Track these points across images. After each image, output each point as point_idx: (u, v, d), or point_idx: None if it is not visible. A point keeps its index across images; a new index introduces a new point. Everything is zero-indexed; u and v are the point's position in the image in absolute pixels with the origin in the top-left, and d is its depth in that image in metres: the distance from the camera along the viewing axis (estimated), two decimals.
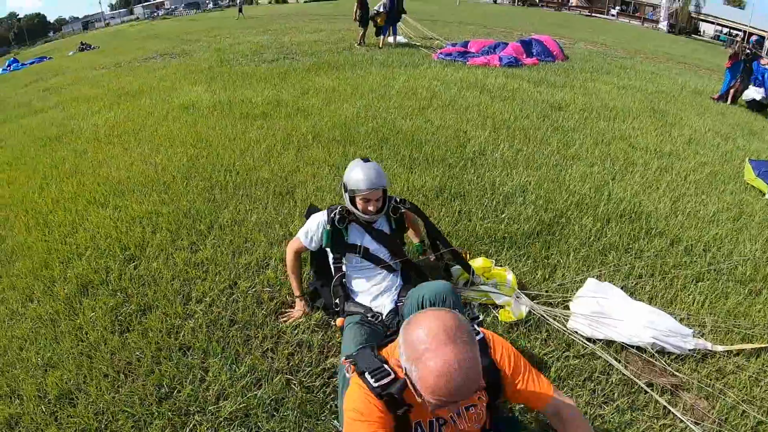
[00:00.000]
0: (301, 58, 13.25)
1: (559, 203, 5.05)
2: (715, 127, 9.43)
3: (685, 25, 65.59)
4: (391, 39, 15.74)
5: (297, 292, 3.23)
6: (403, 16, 16.33)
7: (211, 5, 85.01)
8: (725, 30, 67.60)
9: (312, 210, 3.30)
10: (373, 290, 3.03)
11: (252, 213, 4.47)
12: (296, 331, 3.11)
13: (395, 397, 1.63)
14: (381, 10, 15.30)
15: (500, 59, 13.00)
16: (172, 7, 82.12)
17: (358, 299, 3.00)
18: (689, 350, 3.18)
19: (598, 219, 4.81)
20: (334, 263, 3.09)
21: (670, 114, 9.84)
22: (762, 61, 13.15)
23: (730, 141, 8.65)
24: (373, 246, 3.07)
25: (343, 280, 3.06)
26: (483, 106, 8.44)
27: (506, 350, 1.88)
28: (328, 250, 3.12)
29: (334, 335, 3.10)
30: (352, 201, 3.00)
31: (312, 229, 3.08)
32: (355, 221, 3.07)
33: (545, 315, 3.33)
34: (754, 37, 14.48)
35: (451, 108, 8.15)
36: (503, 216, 4.66)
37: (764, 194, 6.14)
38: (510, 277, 3.56)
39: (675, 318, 3.43)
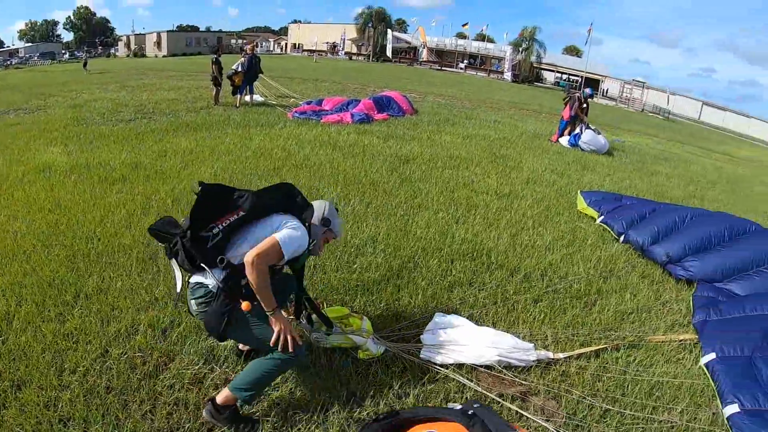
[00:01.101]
0: (159, 117, 13.06)
1: (407, 249, 5.47)
2: (551, 166, 10.55)
3: (528, 74, 70.85)
4: (248, 98, 15.89)
5: (275, 304, 2.87)
6: (260, 75, 16.58)
7: (66, 56, 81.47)
8: (564, 76, 73.94)
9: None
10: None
11: (117, 280, 4.42)
12: (172, 391, 3.19)
13: None
14: (239, 69, 15.41)
15: (352, 116, 13.48)
16: (27, 55, 77.58)
17: None
18: (533, 361, 3.70)
19: (443, 260, 5.29)
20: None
21: (511, 158, 10.79)
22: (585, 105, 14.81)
23: (565, 176, 9.79)
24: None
25: None
26: (335, 163, 8.77)
27: None
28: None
29: (209, 390, 3.22)
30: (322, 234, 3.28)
31: (297, 252, 2.99)
32: None
33: (400, 351, 3.67)
34: (587, 90, 16.12)
35: (304, 167, 8.42)
36: (355, 266, 4.96)
37: (595, 219, 7.02)
38: (365, 324, 3.81)
39: (518, 336, 3.95)
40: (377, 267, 4.98)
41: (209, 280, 2.85)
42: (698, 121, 73.73)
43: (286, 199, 3.13)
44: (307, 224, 3.10)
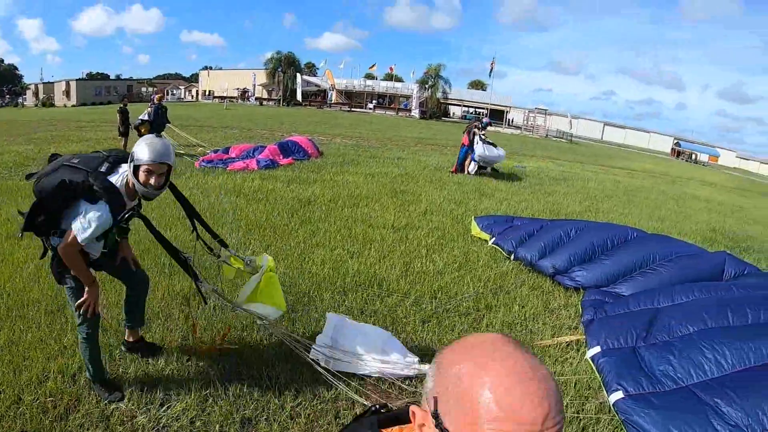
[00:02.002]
0: None
1: (302, 286, 5.79)
2: (450, 196, 11.25)
3: (435, 110, 72.82)
4: None
5: (90, 279, 3.36)
6: (168, 125, 16.56)
7: None
8: (471, 110, 76.60)
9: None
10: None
11: (27, 332, 4.53)
12: (81, 429, 3.39)
13: None
14: (145, 119, 15.38)
15: (258, 162, 13.68)
16: None
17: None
18: (414, 375, 4.04)
19: (336, 292, 5.67)
20: None
21: (410, 192, 11.36)
22: (482, 132, 15.69)
23: (463, 205, 10.52)
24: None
25: None
26: (239, 209, 9.03)
27: None
28: None
29: (115, 426, 3.45)
30: (135, 172, 3.17)
31: (101, 228, 3.16)
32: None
33: (291, 343, 3.99)
34: (485, 119, 17.20)
35: (208, 215, 8.45)
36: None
37: (488, 242, 7.59)
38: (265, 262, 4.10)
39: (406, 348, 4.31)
40: None
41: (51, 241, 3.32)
42: (601, 141, 78.08)
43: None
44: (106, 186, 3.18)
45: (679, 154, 79.17)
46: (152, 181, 3.17)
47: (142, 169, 3.14)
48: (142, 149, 3.13)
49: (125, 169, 3.27)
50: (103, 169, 3.26)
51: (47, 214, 3.21)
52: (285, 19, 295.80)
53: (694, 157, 77.16)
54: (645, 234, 7.17)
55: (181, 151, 16.59)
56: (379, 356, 4.04)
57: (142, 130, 15.26)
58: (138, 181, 3.17)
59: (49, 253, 3.40)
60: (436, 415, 0.82)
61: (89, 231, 3.10)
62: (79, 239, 3.11)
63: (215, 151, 15.76)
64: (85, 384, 3.80)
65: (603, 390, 3.98)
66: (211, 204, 9.34)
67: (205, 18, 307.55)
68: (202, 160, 14.17)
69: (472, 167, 15.37)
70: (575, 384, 4.17)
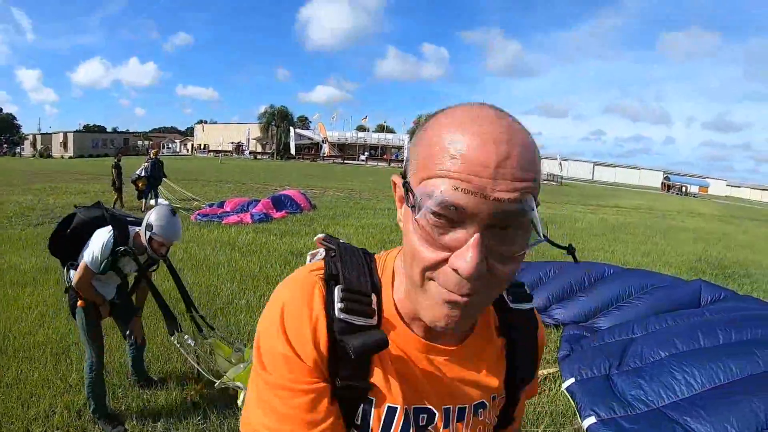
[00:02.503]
0: None
1: None
2: None
3: None
4: (152, 202, 15.96)
5: (102, 301, 3.93)
6: (164, 179, 16.93)
7: None
8: None
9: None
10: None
11: (33, 372, 4.80)
12: None
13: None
14: (142, 174, 15.70)
15: (252, 216, 13.93)
16: None
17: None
18: None
19: None
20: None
21: (399, 242, 11.59)
22: None
23: None
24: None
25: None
26: (233, 261, 9.29)
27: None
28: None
29: None
30: (149, 240, 3.70)
31: (104, 256, 3.64)
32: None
33: None
34: None
35: (204, 267, 8.81)
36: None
37: None
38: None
39: None
40: None
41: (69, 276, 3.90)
42: (592, 180, 78.77)
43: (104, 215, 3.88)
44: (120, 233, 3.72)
45: (669, 188, 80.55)
46: (162, 250, 3.80)
47: (156, 239, 3.68)
48: (161, 227, 3.65)
49: (139, 228, 3.83)
50: (129, 218, 4.02)
51: (72, 235, 3.84)
52: (278, 73, 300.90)
53: (684, 189, 78.47)
54: (621, 269, 7.43)
55: (178, 205, 16.70)
56: None
57: (140, 185, 15.77)
58: (150, 247, 3.72)
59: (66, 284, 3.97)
60: (403, 173, 0.79)
61: (94, 252, 3.59)
62: (88, 263, 3.59)
63: (210, 205, 16.06)
64: (90, 419, 4.07)
65: (578, 416, 4.23)
66: (206, 256, 9.61)
67: (199, 72, 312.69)
68: (198, 214, 14.40)
69: None
70: (551, 413, 4.41)
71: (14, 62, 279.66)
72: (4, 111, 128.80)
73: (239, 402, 4.04)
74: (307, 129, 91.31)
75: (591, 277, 7.06)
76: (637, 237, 16.51)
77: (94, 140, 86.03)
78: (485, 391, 0.92)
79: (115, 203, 15.84)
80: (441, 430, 0.89)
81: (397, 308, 0.88)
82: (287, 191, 18.17)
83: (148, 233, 3.65)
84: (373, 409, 0.85)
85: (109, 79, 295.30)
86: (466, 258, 0.68)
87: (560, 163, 73.29)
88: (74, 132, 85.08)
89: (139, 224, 3.86)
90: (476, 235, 0.68)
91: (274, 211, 15.00)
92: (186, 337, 4.29)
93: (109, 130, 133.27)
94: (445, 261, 0.71)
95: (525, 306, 0.98)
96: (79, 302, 3.82)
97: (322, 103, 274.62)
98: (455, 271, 0.70)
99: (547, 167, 70.96)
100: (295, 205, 16.24)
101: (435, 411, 0.89)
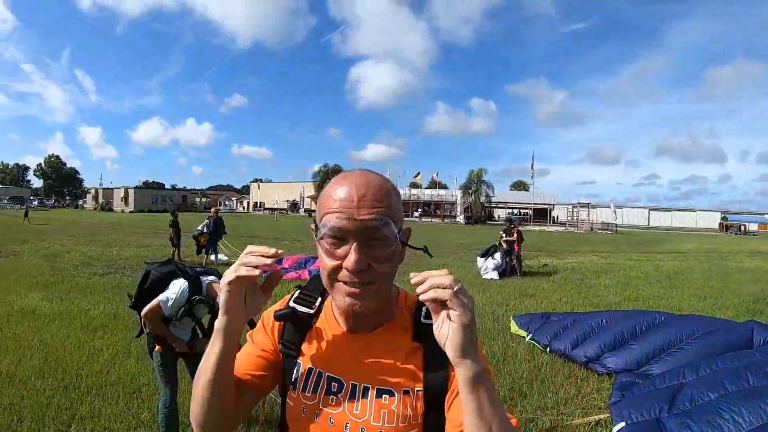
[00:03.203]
0: (130, 273, 13.58)
1: None
2: (491, 299, 11.39)
3: (480, 214, 72.56)
4: (213, 257, 16.34)
5: (172, 340, 4.05)
6: (224, 236, 17.33)
7: (36, 203, 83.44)
8: (515, 211, 76.68)
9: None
10: None
11: (106, 408, 4.91)
12: None
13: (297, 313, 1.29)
14: (203, 230, 16.07)
15: (310, 273, 13.85)
16: None
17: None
18: None
19: None
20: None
21: None
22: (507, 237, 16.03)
23: (503, 306, 10.59)
24: None
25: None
26: None
27: None
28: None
29: None
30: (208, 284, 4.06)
31: (178, 304, 3.90)
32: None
33: None
34: (512, 218, 17.57)
35: None
36: None
37: (525, 338, 7.80)
38: None
39: None
40: None
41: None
42: (648, 227, 76.54)
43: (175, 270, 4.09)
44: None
45: (728, 228, 77.81)
46: (218, 292, 3.97)
47: (215, 285, 4.03)
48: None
49: (212, 278, 4.19)
50: (198, 269, 4.29)
51: (150, 289, 3.98)
52: (330, 132, 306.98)
53: (743, 228, 75.79)
54: (672, 316, 7.31)
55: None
56: None
57: (201, 241, 16.09)
58: (212, 291, 4.04)
59: (145, 331, 4.12)
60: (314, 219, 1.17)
61: (170, 298, 3.84)
62: (161, 302, 3.83)
63: None
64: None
65: None
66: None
67: (254, 132, 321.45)
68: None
69: (489, 275, 15.26)
70: None
71: (77, 120, 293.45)
72: (68, 165, 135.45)
73: None
74: None
75: (642, 325, 6.97)
76: (694, 282, 15.82)
77: (154, 196, 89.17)
78: (393, 381, 1.15)
79: (173, 257, 16.16)
80: (347, 399, 1.17)
81: (332, 307, 1.27)
82: None
83: (207, 278, 4.04)
84: (297, 369, 1.25)
85: (168, 138, 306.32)
86: (350, 259, 1.05)
87: (614, 211, 72.01)
88: (134, 188, 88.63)
89: (209, 274, 4.25)
90: (354, 245, 1.05)
91: None
92: None
93: (167, 186, 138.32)
94: (341, 266, 1.07)
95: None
96: (157, 347, 4.01)
97: (373, 161, 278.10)
98: (347, 269, 1.07)
99: (602, 216, 69.75)
100: None
101: (344, 382, 1.19)
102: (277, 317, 1.29)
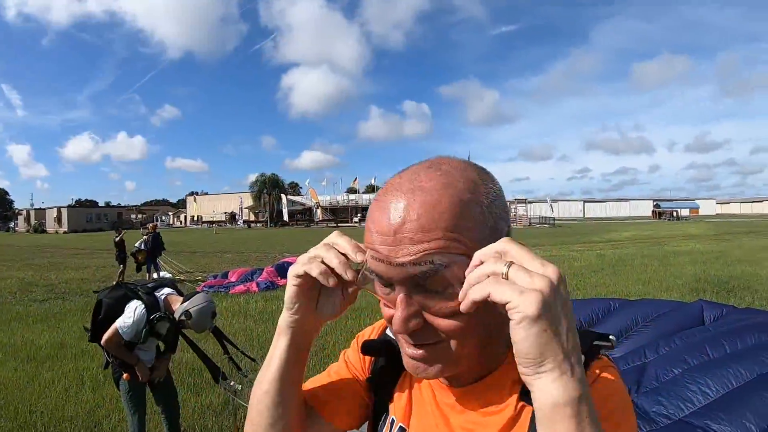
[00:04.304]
0: (72, 297, 13.05)
1: None
2: None
3: None
4: (155, 275, 15.84)
5: (134, 360, 3.91)
6: (163, 252, 17.02)
7: None
8: None
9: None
10: None
11: None
12: None
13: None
14: (142, 248, 15.66)
15: (258, 285, 13.90)
16: None
17: None
18: None
19: None
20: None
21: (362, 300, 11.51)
22: None
23: None
24: None
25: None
26: (248, 330, 9.17)
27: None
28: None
29: None
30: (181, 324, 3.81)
31: (136, 329, 3.71)
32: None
33: None
34: None
35: (211, 338, 8.68)
36: None
37: None
38: None
39: None
40: None
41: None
42: (584, 218, 78.99)
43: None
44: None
45: (660, 214, 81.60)
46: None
47: (187, 325, 3.77)
48: (197, 323, 3.75)
49: (168, 291, 4.01)
50: (149, 285, 4.04)
51: (106, 317, 3.82)
52: (264, 142, 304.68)
53: (675, 214, 79.40)
54: (626, 301, 7.46)
55: (182, 277, 16.91)
56: None
57: (140, 258, 15.65)
58: (178, 324, 3.80)
59: (110, 360, 4.00)
60: None
61: (126, 323, 3.66)
62: (119, 329, 3.66)
63: (214, 277, 15.95)
64: None
65: None
66: (221, 326, 9.39)
67: (187, 145, 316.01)
68: (204, 286, 14.37)
69: None
70: None
71: (4, 137, 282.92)
72: None
73: None
74: (299, 195, 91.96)
75: (598, 312, 7.08)
76: (636, 267, 16.61)
77: (88, 215, 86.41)
78: None
79: (120, 278, 15.69)
80: None
81: None
82: (289, 259, 18.17)
83: (183, 318, 3.72)
84: (385, 418, 0.98)
85: (99, 153, 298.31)
86: (396, 315, 0.74)
87: (551, 205, 73.83)
88: (68, 207, 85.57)
89: (164, 286, 4.06)
90: (400, 295, 0.74)
91: (279, 278, 14.87)
92: (232, 383, 4.34)
93: (101, 204, 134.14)
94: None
95: None
96: (125, 375, 3.88)
97: (309, 169, 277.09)
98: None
99: (540, 210, 71.37)
100: None
101: None
102: (364, 351, 1.01)
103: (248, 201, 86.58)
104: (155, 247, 16.12)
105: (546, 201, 76.42)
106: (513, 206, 71.98)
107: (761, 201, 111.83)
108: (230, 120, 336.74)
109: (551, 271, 0.63)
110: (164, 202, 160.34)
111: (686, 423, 3.82)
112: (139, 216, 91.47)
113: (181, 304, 3.76)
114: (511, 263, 0.64)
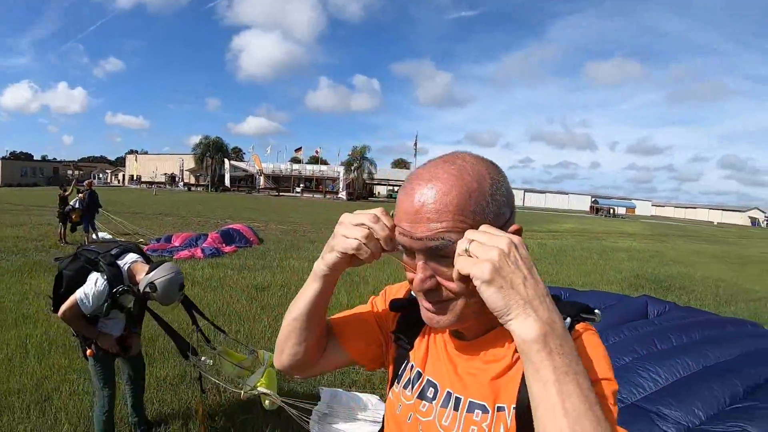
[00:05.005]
0: (8, 256, 12.04)
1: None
2: (394, 274, 11.47)
3: (362, 191, 73.43)
4: (94, 236, 15.48)
5: (95, 334, 3.72)
6: (100, 210, 16.37)
7: None
8: (396, 188, 78.79)
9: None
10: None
11: (18, 424, 4.44)
12: None
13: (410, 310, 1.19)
14: (76, 206, 15.04)
15: (203, 251, 13.58)
16: None
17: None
18: None
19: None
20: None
21: (355, 273, 11.43)
22: None
23: (402, 279, 10.74)
24: None
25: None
26: (197, 297, 8.49)
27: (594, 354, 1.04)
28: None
29: None
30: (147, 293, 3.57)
31: (98, 303, 3.50)
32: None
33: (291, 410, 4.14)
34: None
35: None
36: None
37: None
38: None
39: None
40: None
41: None
42: (523, 207, 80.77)
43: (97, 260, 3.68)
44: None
45: (597, 210, 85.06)
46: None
47: (151, 297, 3.57)
48: (163, 295, 3.57)
49: (133, 258, 3.77)
50: (113, 252, 3.74)
51: (67, 290, 3.59)
52: (208, 103, 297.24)
53: (612, 211, 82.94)
54: (575, 291, 7.78)
55: (122, 239, 16.07)
56: (371, 417, 4.25)
57: (74, 217, 15.01)
58: (142, 295, 3.59)
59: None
60: None
61: (87, 293, 3.46)
62: (78, 302, 3.46)
63: (157, 240, 15.45)
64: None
65: None
66: None
67: (129, 100, 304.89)
68: (147, 249, 13.58)
69: None
70: None
71: None
72: None
73: (266, 405, 4.07)
74: (242, 161, 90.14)
75: None
76: (577, 259, 17.42)
77: (23, 168, 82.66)
78: (487, 395, 1.04)
79: (62, 237, 15.16)
80: (438, 407, 1.10)
81: None
82: (234, 225, 17.90)
83: (148, 290, 3.52)
84: (406, 364, 1.21)
85: (38, 103, 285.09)
86: (416, 278, 0.96)
87: None
88: (2, 159, 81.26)
89: (128, 251, 3.86)
90: (420, 262, 0.95)
91: (224, 245, 14.70)
92: (203, 358, 4.15)
93: (37, 158, 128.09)
94: None
95: None
96: (89, 351, 3.70)
97: (253, 135, 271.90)
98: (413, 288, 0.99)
99: None
100: (244, 239, 16.01)
101: (439, 388, 1.12)
102: (393, 308, 1.27)
103: (190, 163, 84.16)
104: (91, 206, 15.51)
105: None
106: None
107: (694, 208, 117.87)
108: (176, 78, 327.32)
109: (500, 241, 0.85)
110: (102, 159, 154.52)
111: (639, 407, 4.03)
112: (77, 172, 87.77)
113: (146, 274, 3.54)
114: (471, 241, 0.86)
